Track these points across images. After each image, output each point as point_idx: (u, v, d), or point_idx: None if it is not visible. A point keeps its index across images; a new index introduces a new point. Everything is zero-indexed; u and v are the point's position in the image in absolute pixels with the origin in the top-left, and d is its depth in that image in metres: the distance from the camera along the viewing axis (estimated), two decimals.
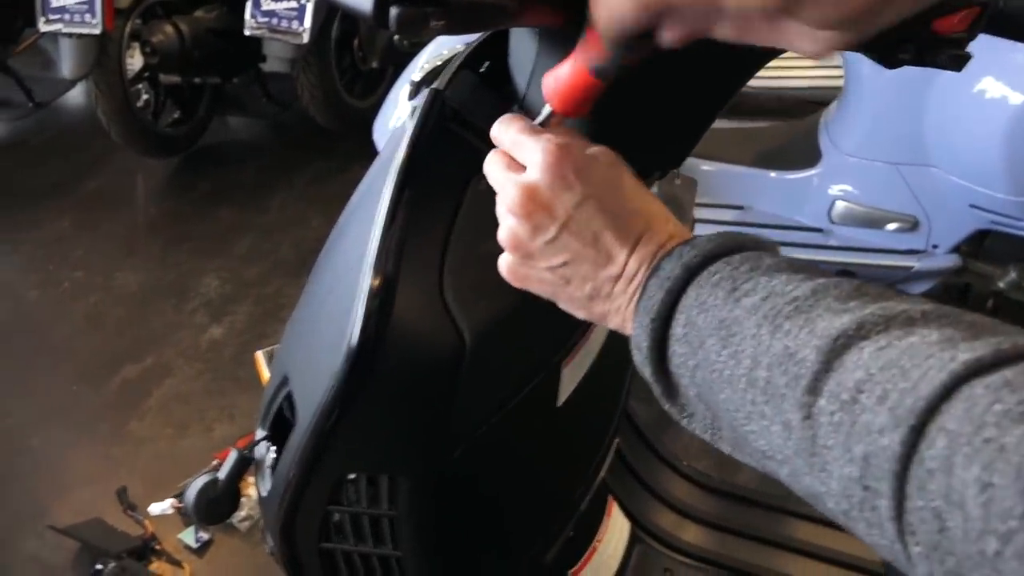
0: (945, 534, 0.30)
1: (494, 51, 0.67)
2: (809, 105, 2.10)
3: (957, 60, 0.61)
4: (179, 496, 1.80)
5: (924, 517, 0.31)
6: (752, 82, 2.39)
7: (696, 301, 0.43)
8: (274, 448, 0.78)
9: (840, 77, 1.88)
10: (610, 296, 0.48)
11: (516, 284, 0.52)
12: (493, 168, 0.52)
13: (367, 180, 0.70)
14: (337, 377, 0.60)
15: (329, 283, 0.67)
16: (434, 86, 0.63)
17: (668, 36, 0.44)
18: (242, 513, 1.75)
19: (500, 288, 0.61)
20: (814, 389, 0.36)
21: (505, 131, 0.52)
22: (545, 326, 0.61)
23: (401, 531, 0.71)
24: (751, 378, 0.39)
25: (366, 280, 0.58)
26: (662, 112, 0.60)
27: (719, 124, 2.39)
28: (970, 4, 0.58)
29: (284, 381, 0.73)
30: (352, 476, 0.69)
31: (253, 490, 1.76)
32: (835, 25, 0.40)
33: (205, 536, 1.74)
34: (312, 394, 0.64)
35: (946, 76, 1.54)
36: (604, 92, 0.54)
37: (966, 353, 0.32)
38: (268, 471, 0.78)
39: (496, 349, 0.62)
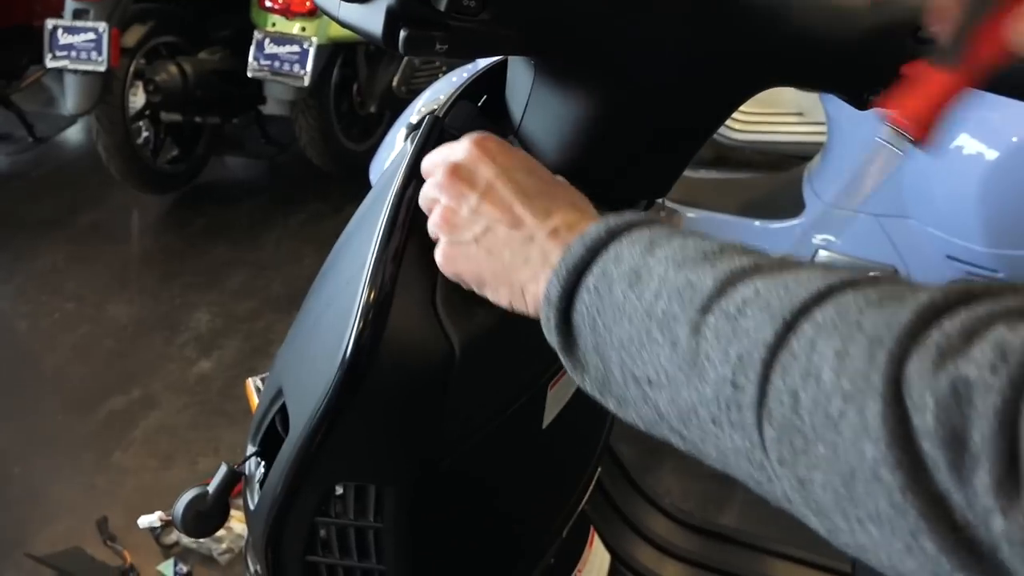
0: (797, 410, 0.32)
1: (492, 86, 0.71)
2: (793, 159, 2.16)
3: None
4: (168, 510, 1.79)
5: (782, 398, 0.33)
6: (739, 136, 2.45)
7: (613, 255, 0.45)
8: (264, 464, 0.80)
9: (820, 133, 1.94)
10: (527, 261, 0.50)
11: (449, 269, 0.56)
12: (428, 178, 0.58)
13: (367, 202, 0.73)
14: (331, 386, 0.63)
15: (327, 298, 0.70)
16: (434, 113, 0.67)
17: None
18: (223, 546, 1.75)
19: (489, 302, 0.65)
20: (706, 309, 0.38)
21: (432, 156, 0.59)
22: (533, 344, 0.63)
23: (385, 544, 0.72)
24: (650, 310, 0.41)
25: (362, 293, 0.61)
26: (648, 141, 0.64)
27: (707, 174, 2.45)
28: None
29: (278, 394, 0.75)
30: (340, 489, 0.71)
31: (235, 523, 1.76)
32: None
33: (185, 568, 1.73)
34: (306, 405, 0.66)
35: None
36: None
37: (845, 275, 0.36)
38: (257, 486, 0.80)
39: (484, 361, 0.65)
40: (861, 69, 0.62)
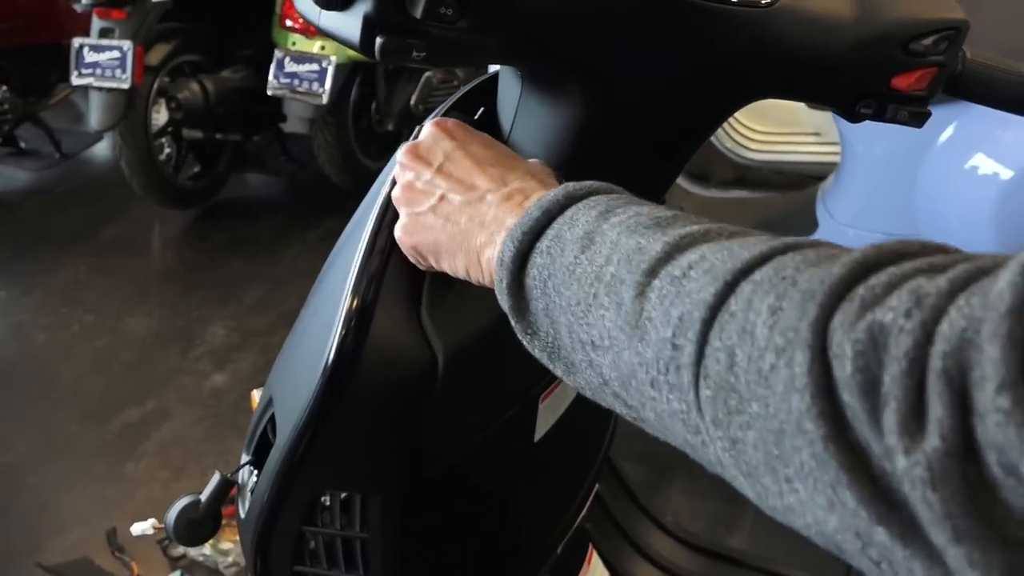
0: (732, 368, 0.32)
1: (488, 98, 0.71)
2: (808, 179, 2.15)
3: (917, 117, 0.65)
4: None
5: (719, 357, 0.33)
6: (756, 156, 2.45)
7: (569, 218, 0.45)
8: (256, 472, 0.80)
9: (837, 153, 1.93)
10: (483, 225, 0.51)
11: (407, 242, 0.57)
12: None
13: (359, 211, 0.73)
14: (314, 394, 0.63)
15: (315, 307, 0.70)
16: (423, 124, 0.67)
17: None
18: (229, 559, 1.75)
19: (475, 312, 0.64)
20: (652, 272, 0.38)
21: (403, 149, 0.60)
22: (521, 355, 0.63)
23: (372, 555, 0.72)
24: (599, 274, 0.41)
25: (345, 300, 0.61)
26: (636, 151, 0.64)
27: (722, 193, 2.45)
28: (927, 64, 0.62)
29: (269, 403, 0.75)
30: (326, 499, 0.71)
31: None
32: None
33: None
34: (291, 413, 0.67)
35: (937, 151, 1.58)
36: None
37: (789, 240, 0.36)
38: (249, 495, 0.80)
39: (470, 371, 0.64)
40: (850, 81, 0.61)
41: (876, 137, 1.68)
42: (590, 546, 1.09)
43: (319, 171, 3.26)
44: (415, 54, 0.49)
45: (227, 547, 1.73)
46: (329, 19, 0.51)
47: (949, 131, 1.55)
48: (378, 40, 0.48)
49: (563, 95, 0.60)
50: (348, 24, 0.49)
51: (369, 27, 0.48)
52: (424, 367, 0.62)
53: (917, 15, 0.60)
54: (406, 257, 0.61)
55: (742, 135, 2.45)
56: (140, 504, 1.92)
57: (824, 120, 2.38)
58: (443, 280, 0.62)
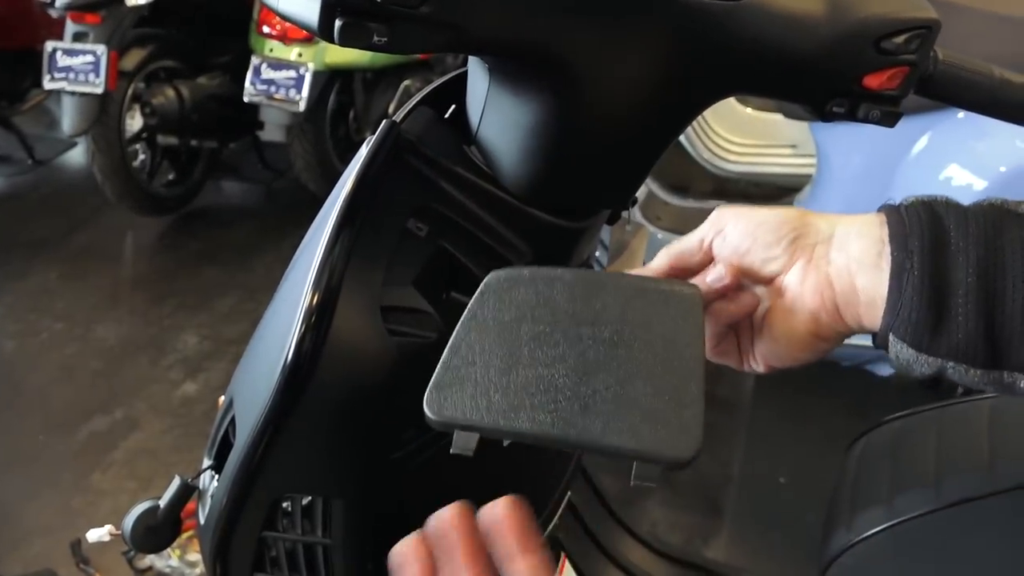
0: None
1: (459, 95, 0.70)
2: (784, 190, 2.16)
3: (890, 117, 0.64)
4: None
5: None
6: (734, 168, 2.45)
7: None
8: (217, 476, 0.77)
9: (813, 165, 1.93)
10: None
11: None
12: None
13: (323, 210, 0.72)
14: (272, 394, 0.61)
15: (277, 306, 0.69)
16: (391, 118, 0.66)
17: None
18: (196, 571, 1.71)
19: (438, 308, 0.63)
20: None
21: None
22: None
23: (335, 561, 0.70)
24: None
25: (305, 296, 0.59)
26: (606, 149, 0.63)
27: (700, 204, 2.44)
28: (899, 63, 0.62)
29: (230, 404, 0.73)
30: (287, 503, 0.69)
31: None
32: None
33: None
34: (251, 413, 0.65)
35: (912, 163, 1.59)
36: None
37: None
38: (209, 499, 0.78)
39: (430, 372, 0.63)
40: (822, 78, 0.61)
41: (852, 149, 1.69)
42: (562, 555, 1.07)
43: (296, 179, 3.23)
44: (376, 39, 0.47)
45: (194, 558, 1.69)
46: (288, 2, 0.49)
47: (923, 142, 1.56)
48: (337, 23, 0.46)
49: (529, 88, 0.59)
50: (307, 7, 0.47)
51: (328, 9, 0.46)
52: (387, 367, 0.60)
53: (889, 13, 0.60)
54: (369, 255, 0.60)
55: (720, 147, 2.46)
56: (106, 515, 1.88)
57: (801, 133, 2.39)
58: (402, 278, 0.60)
